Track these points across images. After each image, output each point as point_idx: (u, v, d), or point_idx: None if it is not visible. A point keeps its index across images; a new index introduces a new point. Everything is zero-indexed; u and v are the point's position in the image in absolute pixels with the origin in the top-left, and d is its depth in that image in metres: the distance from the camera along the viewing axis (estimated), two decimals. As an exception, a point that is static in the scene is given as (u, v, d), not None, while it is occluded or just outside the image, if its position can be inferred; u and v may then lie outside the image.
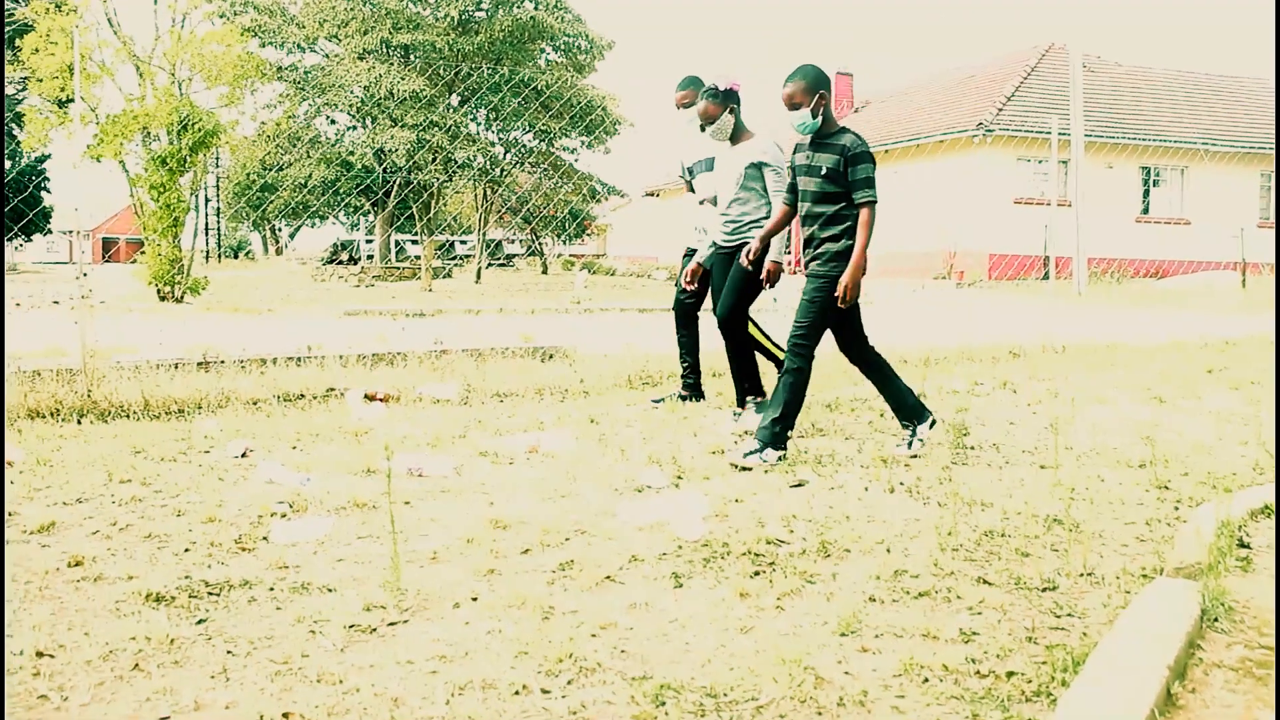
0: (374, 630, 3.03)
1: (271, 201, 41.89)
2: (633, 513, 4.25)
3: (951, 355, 10.04)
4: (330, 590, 3.37)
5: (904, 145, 30.79)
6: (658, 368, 8.67)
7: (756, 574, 3.51)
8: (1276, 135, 20.48)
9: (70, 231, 72.46)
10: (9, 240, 53.61)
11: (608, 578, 3.49)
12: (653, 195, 47.78)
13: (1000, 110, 29.61)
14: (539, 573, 3.56)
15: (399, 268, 31.89)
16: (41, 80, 19.48)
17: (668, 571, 3.55)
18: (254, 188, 41.21)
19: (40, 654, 2.85)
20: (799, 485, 4.82)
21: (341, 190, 34.94)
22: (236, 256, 62.34)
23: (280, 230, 70.94)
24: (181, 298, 20.81)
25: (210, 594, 3.34)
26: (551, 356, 9.39)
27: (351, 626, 3.04)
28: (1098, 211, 21.53)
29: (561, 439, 5.82)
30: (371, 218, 43.13)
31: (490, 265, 43.76)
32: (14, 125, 40.48)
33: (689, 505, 4.28)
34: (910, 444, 5.44)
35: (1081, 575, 3.49)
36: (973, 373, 8.94)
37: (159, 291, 20.76)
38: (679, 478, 5.00)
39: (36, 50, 19.51)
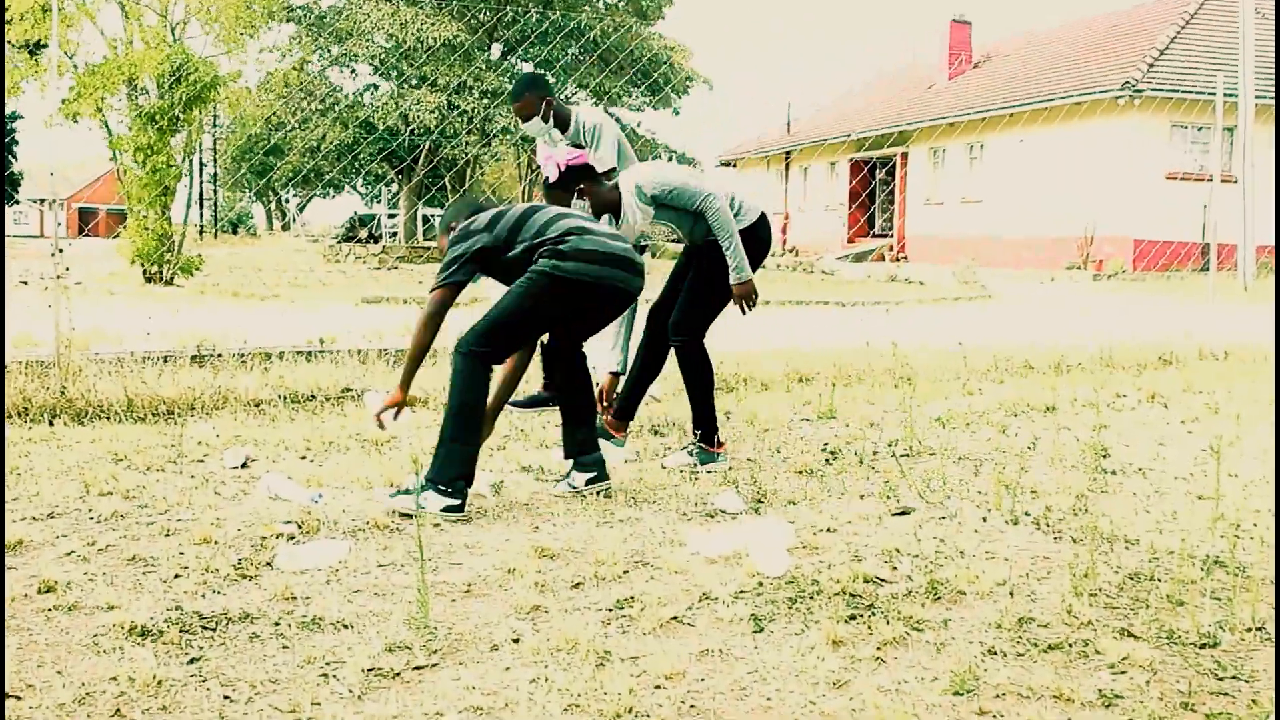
0: (397, 675, 3.05)
1: (278, 167, 42.32)
2: (704, 542, 4.24)
3: (1088, 361, 9.94)
4: (346, 627, 3.39)
5: (1031, 108, 30.55)
6: (732, 369, 8.66)
7: (852, 618, 3.49)
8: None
9: (42, 200, 73.83)
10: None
11: (674, 619, 3.48)
12: (729, 165, 47.82)
13: (1151, 66, 29.28)
14: (592, 611, 3.56)
15: (427, 247, 32.10)
16: (10, 21, 19.82)
17: (745, 613, 3.54)
18: (257, 150, 41.69)
19: (5, 695, 2.89)
20: (903, 513, 4.80)
21: (361, 156, 35.25)
22: (236, 232, 63.08)
23: (287, 202, 71.74)
24: (171, 279, 21.09)
25: (205, 628, 3.37)
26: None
27: (371, 670, 3.06)
28: (1271, 190, 21.19)
29: (617, 452, 5.84)
30: (395, 188, 43.49)
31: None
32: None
33: (771, 535, 4.27)
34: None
35: (1249, 630, 3.44)
36: (1114, 383, 8.84)
37: (145, 272, 21.04)
38: (759, 501, 4.99)
39: (5, -19, 19.86)
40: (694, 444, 5.82)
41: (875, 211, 38.85)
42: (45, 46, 21.19)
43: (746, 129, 47.81)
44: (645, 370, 6.17)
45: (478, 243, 5.04)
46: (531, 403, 7.15)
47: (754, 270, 5.81)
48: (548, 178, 5.87)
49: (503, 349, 5.04)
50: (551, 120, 6.78)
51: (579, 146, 6.38)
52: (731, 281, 5.72)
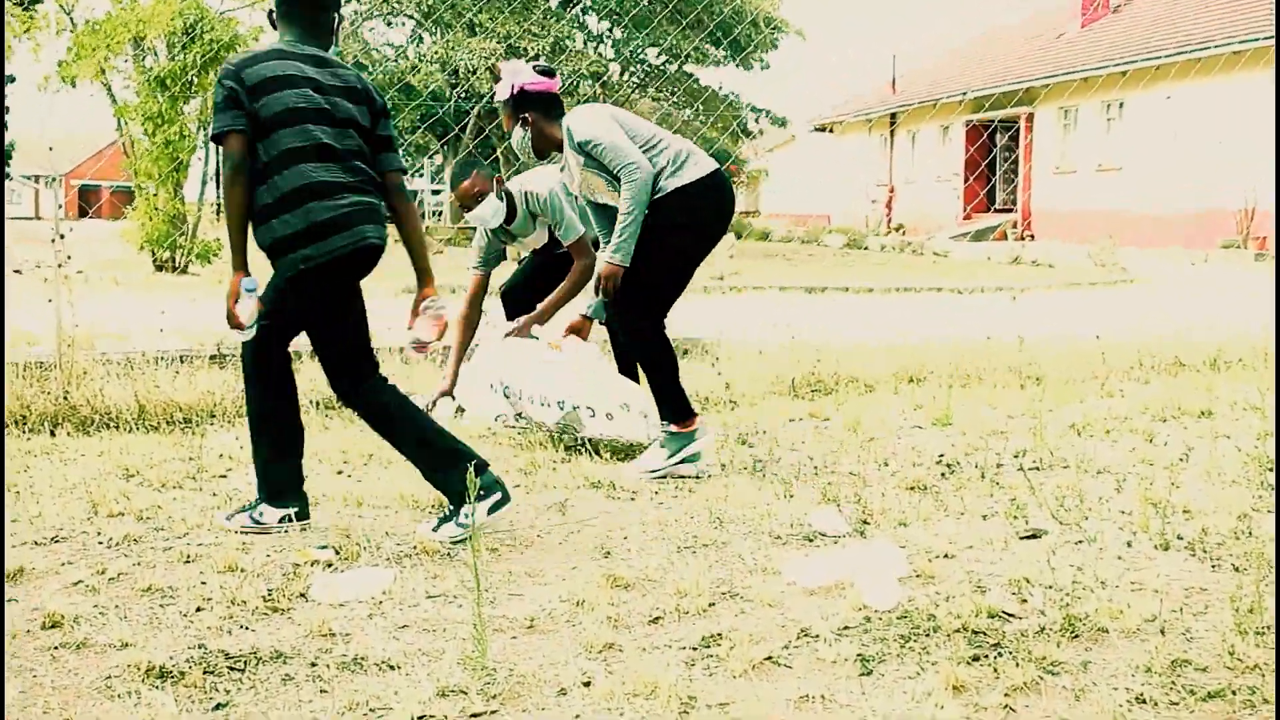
0: (451, 723, 3.08)
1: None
2: (802, 570, 4.24)
3: (1249, 355, 9.82)
4: (392, 668, 3.43)
5: (1181, 59, 30.17)
6: (832, 368, 8.65)
7: (975, 659, 3.48)
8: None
9: (37, 178, 74.79)
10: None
11: (768, 659, 3.49)
12: (824, 130, 47.67)
13: (1323, 8, 28.85)
14: (674, 649, 3.57)
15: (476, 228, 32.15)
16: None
17: (851, 653, 3.54)
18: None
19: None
20: (1033, 537, 4.77)
21: (400, 123, 35.45)
22: (257, 212, 63.49)
23: (317, 176, 72.08)
24: (185, 267, 21.33)
25: (232, 669, 3.42)
26: (686, 352, 9.41)
27: (421, 718, 3.09)
28: None
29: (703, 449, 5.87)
30: (440, 160, 43.68)
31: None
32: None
33: (880, 561, 4.26)
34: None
35: None
36: (1280, 381, 8.73)
37: (155, 258, 21.30)
38: (865, 522, 4.98)
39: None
40: (662, 431, 5.97)
41: (996, 183, 38.59)
42: (39, 0, 21.46)
43: (845, 88, 47.69)
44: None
45: None
46: None
47: (709, 242, 6.01)
48: (502, 101, 6.10)
49: None
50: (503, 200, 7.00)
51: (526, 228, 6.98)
52: (604, 256, 5.88)
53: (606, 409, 6.35)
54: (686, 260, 6.00)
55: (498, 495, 4.78)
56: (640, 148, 5.91)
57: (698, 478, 5.85)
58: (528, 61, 6.21)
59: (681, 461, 5.92)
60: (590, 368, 6.47)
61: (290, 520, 4.90)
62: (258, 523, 4.89)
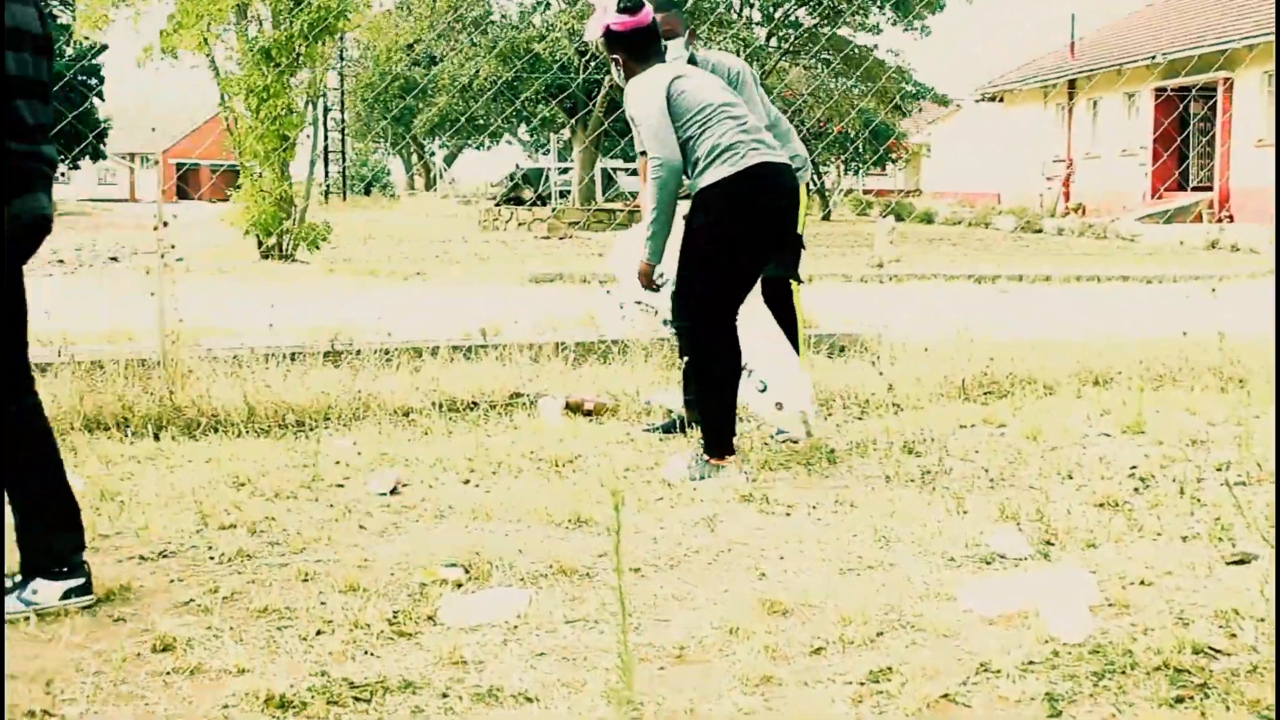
0: (595, 763, 3.11)
1: (421, 112, 43.02)
2: (979, 596, 4.21)
3: None
4: (529, 700, 3.46)
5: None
6: (1007, 368, 8.57)
7: (1178, 700, 3.44)
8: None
9: (133, 156, 76.29)
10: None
11: (944, 696, 3.47)
12: (993, 100, 47.18)
13: None
14: (839, 684, 3.57)
15: (609, 210, 32.30)
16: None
17: (1037, 690, 3.51)
18: (393, 91, 42.47)
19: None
20: (1241, 562, 4.69)
21: (525, 96, 35.67)
22: (369, 193, 64.47)
23: (432, 154, 72.91)
24: (293, 253, 21.61)
25: (357, 699, 3.47)
26: (843, 349, 9.38)
27: (563, 756, 3.12)
28: None
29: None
30: (567, 135, 43.90)
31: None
32: (58, 4, 42.87)
33: (1067, 588, 4.21)
34: None
35: None
36: None
37: (261, 243, 21.61)
38: (1048, 543, 4.94)
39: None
40: (696, 451, 6.13)
41: (1190, 158, 37.95)
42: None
43: (1016, 52, 47.18)
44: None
45: None
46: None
47: (749, 243, 6.08)
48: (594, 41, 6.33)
49: None
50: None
51: None
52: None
53: (765, 378, 6.37)
54: (725, 262, 6.06)
55: (80, 581, 4.28)
56: (683, 134, 6.02)
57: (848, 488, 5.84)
58: None
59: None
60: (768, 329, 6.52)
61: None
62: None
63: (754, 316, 6.48)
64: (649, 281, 6.21)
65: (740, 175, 5.97)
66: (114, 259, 21.45)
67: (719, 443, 6.07)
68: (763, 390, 6.37)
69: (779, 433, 6.65)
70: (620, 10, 6.16)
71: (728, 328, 6.09)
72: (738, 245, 6.06)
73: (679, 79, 6.13)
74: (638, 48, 6.22)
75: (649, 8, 6.25)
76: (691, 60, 6.85)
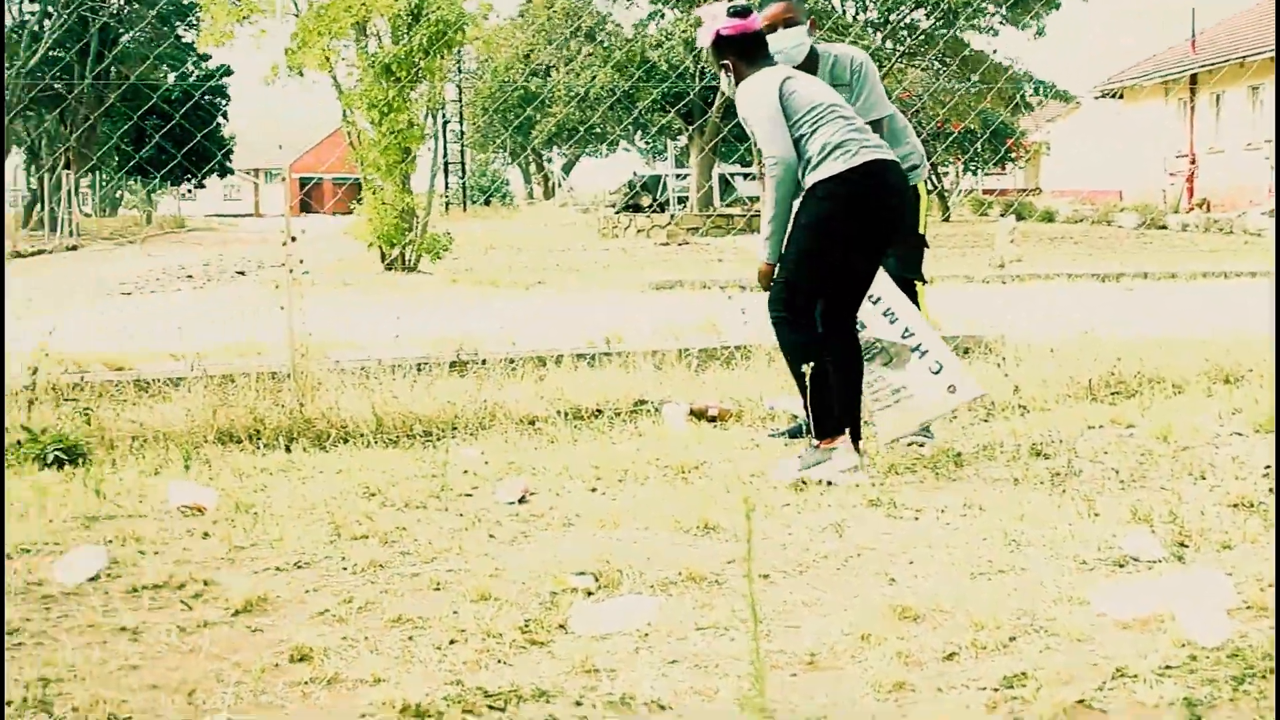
0: (730, 771, 3.11)
1: (538, 121, 43.27)
2: (1113, 600, 4.16)
3: None
4: (663, 707, 3.46)
5: None
6: (1134, 367, 8.47)
7: (1321, 703, 3.38)
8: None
9: (257, 172, 77.33)
10: (174, 187, 57.76)
11: (1080, 702, 3.43)
12: (1112, 96, 46.65)
13: None
14: (972, 690, 3.54)
15: (728, 215, 32.27)
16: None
17: (1175, 695, 3.46)
18: (511, 102, 42.71)
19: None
20: (1381, 560, 4.61)
21: (642, 104, 35.75)
22: (489, 203, 64.80)
23: (550, 163, 73.24)
24: (416, 264, 21.82)
25: (491, 708, 3.49)
26: (967, 351, 9.31)
27: (698, 764, 3.12)
28: None
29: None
30: (684, 141, 43.92)
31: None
32: (181, 22, 43.56)
33: (1203, 590, 4.16)
34: None
35: None
36: None
37: (384, 255, 21.83)
38: (1182, 545, 4.87)
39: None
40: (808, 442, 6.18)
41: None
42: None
43: (1136, 48, 46.62)
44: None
45: None
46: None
47: (882, 229, 6.17)
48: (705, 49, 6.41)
49: None
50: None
51: (840, 88, 6.67)
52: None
53: (940, 360, 6.34)
54: (837, 258, 6.08)
55: None
56: (795, 133, 6.06)
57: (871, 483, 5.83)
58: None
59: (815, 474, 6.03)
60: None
61: None
62: None
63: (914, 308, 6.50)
64: (767, 282, 6.23)
65: (852, 171, 5.98)
66: (241, 273, 21.77)
67: (823, 424, 6.08)
68: (937, 372, 6.32)
69: (910, 441, 6.60)
70: (731, 14, 6.21)
71: (808, 324, 6.13)
72: (849, 241, 6.08)
73: (789, 79, 6.17)
74: (748, 51, 6.26)
75: (756, 13, 6.31)
76: (813, 51, 6.84)
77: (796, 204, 6.14)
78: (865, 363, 6.35)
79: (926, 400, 6.34)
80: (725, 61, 6.31)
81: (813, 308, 6.14)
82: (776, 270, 6.15)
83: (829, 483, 5.96)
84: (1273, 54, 35.36)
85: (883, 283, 6.39)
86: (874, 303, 6.36)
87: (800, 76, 6.27)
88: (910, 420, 6.41)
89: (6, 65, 37.36)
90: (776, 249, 6.15)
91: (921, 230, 7.06)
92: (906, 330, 6.32)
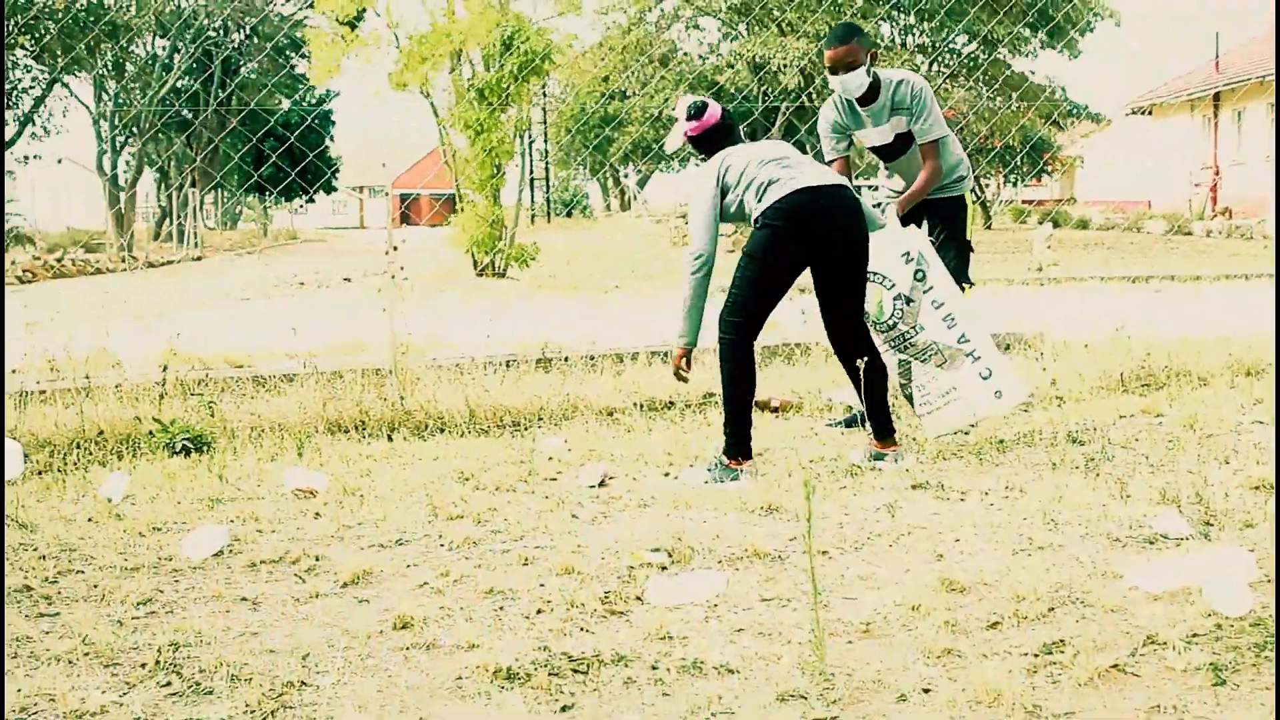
0: (793, 729, 3.10)
1: (615, 140, 43.34)
2: (1145, 574, 4.13)
3: None
4: (731, 671, 3.46)
5: None
6: (1163, 361, 8.40)
7: (1337, 669, 3.34)
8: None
9: (361, 188, 77.88)
10: (288, 202, 58.23)
11: (1114, 667, 3.40)
12: (1141, 113, 46.25)
13: None
14: (1014, 656, 3.52)
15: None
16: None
17: (1201, 661, 3.43)
18: (591, 123, 42.80)
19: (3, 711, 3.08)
20: (1393, 538, 4.54)
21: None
22: (570, 215, 64.96)
23: (626, 178, 73.37)
24: (504, 271, 21.93)
25: (575, 671, 3.50)
26: (1008, 347, 9.25)
27: (763, 723, 3.12)
28: None
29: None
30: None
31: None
32: (294, 54, 43.92)
33: (1228, 566, 4.11)
34: None
35: None
36: None
37: (476, 263, 21.95)
38: (1208, 524, 4.82)
39: (322, -44, 20.97)
40: (716, 456, 6.08)
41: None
42: (361, 20, 22.26)
43: (1163, 69, 46.20)
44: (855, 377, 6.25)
45: None
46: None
47: (817, 249, 6.02)
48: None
49: None
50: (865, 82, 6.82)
51: (901, 112, 6.82)
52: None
53: (990, 366, 6.29)
54: (772, 281, 6.06)
55: None
56: (739, 198, 6.05)
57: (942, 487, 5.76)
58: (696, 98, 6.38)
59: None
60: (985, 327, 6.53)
61: None
62: None
63: (976, 313, 6.44)
64: (680, 361, 6.26)
65: (783, 200, 5.92)
66: (347, 280, 21.93)
67: (738, 446, 6.04)
68: (986, 378, 6.27)
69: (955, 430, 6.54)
70: (689, 119, 6.29)
71: (745, 341, 6.12)
72: (791, 263, 6.05)
73: (727, 158, 6.16)
74: (712, 142, 6.29)
75: (714, 106, 6.32)
76: (875, 82, 6.82)
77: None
78: (920, 364, 6.32)
79: (974, 403, 6.28)
80: (702, 154, 6.35)
81: (759, 327, 6.15)
82: (728, 293, 6.06)
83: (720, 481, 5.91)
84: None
85: (945, 287, 6.34)
86: (936, 307, 6.31)
87: (737, 152, 6.22)
88: (957, 420, 6.36)
89: (140, 95, 37.81)
90: (691, 331, 6.13)
91: (967, 237, 7.03)
92: (963, 336, 6.27)
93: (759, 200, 5.96)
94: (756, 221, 5.98)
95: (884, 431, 6.16)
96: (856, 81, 6.74)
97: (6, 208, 38.67)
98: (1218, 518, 4.89)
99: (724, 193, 6.10)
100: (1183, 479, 5.55)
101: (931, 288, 6.31)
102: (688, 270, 6.08)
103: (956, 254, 6.90)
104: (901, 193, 7.00)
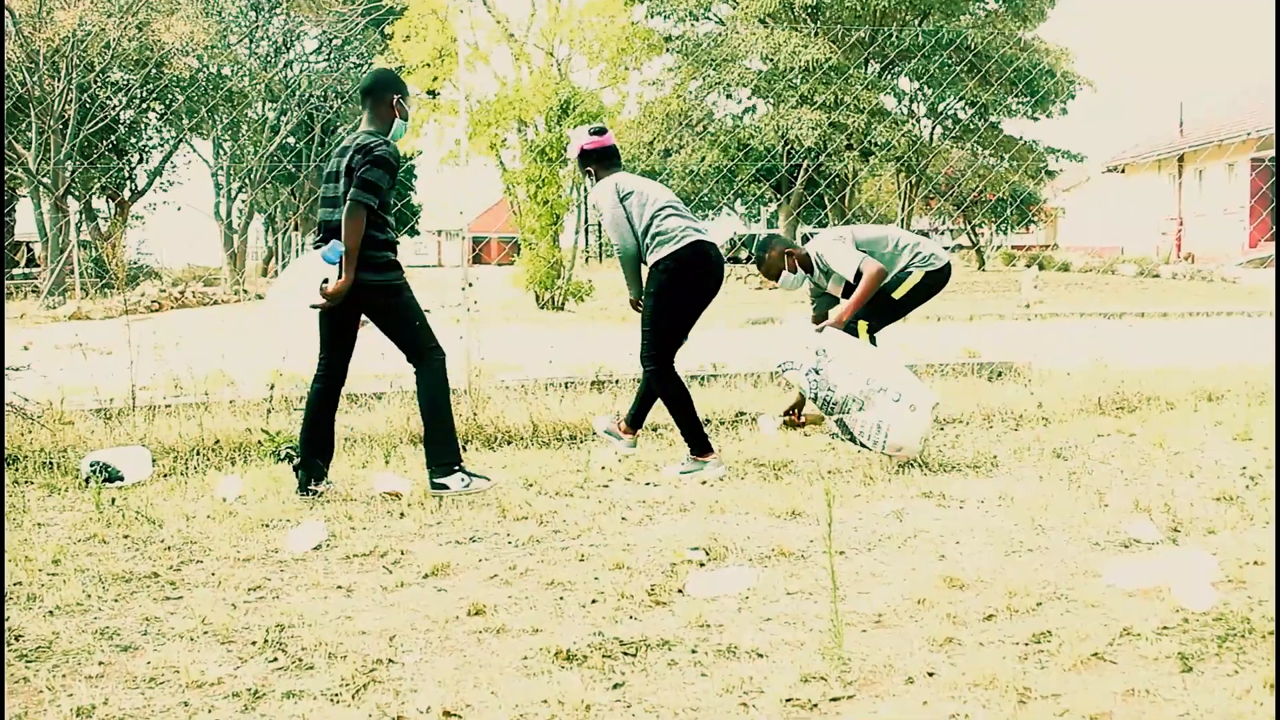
0: (814, 706, 3.08)
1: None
2: (1121, 573, 4.09)
3: None
4: (760, 655, 3.45)
5: None
6: (1135, 388, 8.33)
7: (1291, 659, 3.29)
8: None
9: (440, 232, 78.16)
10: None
11: (1094, 655, 3.37)
12: (1116, 171, 46.02)
13: None
14: (1008, 644, 3.49)
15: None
16: (411, 71, 21.05)
17: (1171, 650, 3.40)
18: (638, 175, 42.85)
19: (447, 714, 3.08)
20: (1339, 544, 4.48)
21: (740, 178, 35.73)
22: (618, 256, 64.96)
23: (668, 225, 73.21)
24: (563, 304, 21.96)
25: (625, 654, 3.49)
26: (1000, 374, 9.22)
27: (789, 701, 3.10)
28: None
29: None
30: (774, 207, 43.79)
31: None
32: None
33: (1194, 567, 4.07)
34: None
35: None
36: None
37: (538, 298, 22.00)
38: (1176, 530, 4.78)
39: (408, 37, 21.09)
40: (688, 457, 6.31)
41: (1282, 214, 36.51)
42: (439, 92, 22.38)
43: (1134, 132, 46.00)
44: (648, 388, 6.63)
45: None
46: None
47: (686, 303, 6.34)
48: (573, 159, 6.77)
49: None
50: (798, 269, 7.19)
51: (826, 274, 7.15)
52: None
53: (899, 391, 6.24)
54: (669, 317, 6.32)
55: None
56: (640, 224, 6.31)
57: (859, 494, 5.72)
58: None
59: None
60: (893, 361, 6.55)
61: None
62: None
63: (876, 356, 6.40)
64: (634, 306, 6.57)
65: (680, 250, 6.20)
66: (428, 311, 21.98)
67: (703, 445, 6.26)
68: (898, 400, 6.21)
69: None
70: (591, 134, 6.56)
71: (669, 365, 6.39)
72: (686, 304, 6.33)
73: (621, 184, 6.43)
74: (605, 160, 6.55)
75: (610, 131, 6.66)
76: (806, 259, 7.18)
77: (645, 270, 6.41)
78: (849, 415, 6.30)
79: (901, 424, 6.21)
80: (588, 168, 6.58)
81: (673, 355, 6.39)
82: (641, 331, 6.36)
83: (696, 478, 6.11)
84: (1245, 137, 34.75)
85: (843, 350, 6.36)
86: (838, 367, 6.30)
87: (632, 181, 6.47)
88: (904, 440, 6.26)
89: (252, 152, 38.10)
90: (634, 288, 6.49)
91: (895, 296, 6.97)
92: (868, 380, 6.23)
93: (660, 243, 6.22)
94: (659, 265, 6.23)
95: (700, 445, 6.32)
96: (791, 281, 7.19)
97: (139, 248, 39.02)
98: (1184, 525, 4.85)
99: (622, 202, 6.33)
100: (1153, 491, 5.50)
101: (832, 359, 6.32)
102: (622, 261, 6.42)
103: (882, 308, 6.94)
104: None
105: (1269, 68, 40.08)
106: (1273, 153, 35.10)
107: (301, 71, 41.05)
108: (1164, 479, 5.80)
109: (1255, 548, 4.44)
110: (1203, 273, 31.98)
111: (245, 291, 32.48)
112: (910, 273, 6.93)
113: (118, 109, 33.03)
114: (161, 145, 38.98)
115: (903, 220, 34.84)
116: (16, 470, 6.35)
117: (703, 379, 8.50)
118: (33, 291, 29.65)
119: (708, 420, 7.58)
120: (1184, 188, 42.07)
